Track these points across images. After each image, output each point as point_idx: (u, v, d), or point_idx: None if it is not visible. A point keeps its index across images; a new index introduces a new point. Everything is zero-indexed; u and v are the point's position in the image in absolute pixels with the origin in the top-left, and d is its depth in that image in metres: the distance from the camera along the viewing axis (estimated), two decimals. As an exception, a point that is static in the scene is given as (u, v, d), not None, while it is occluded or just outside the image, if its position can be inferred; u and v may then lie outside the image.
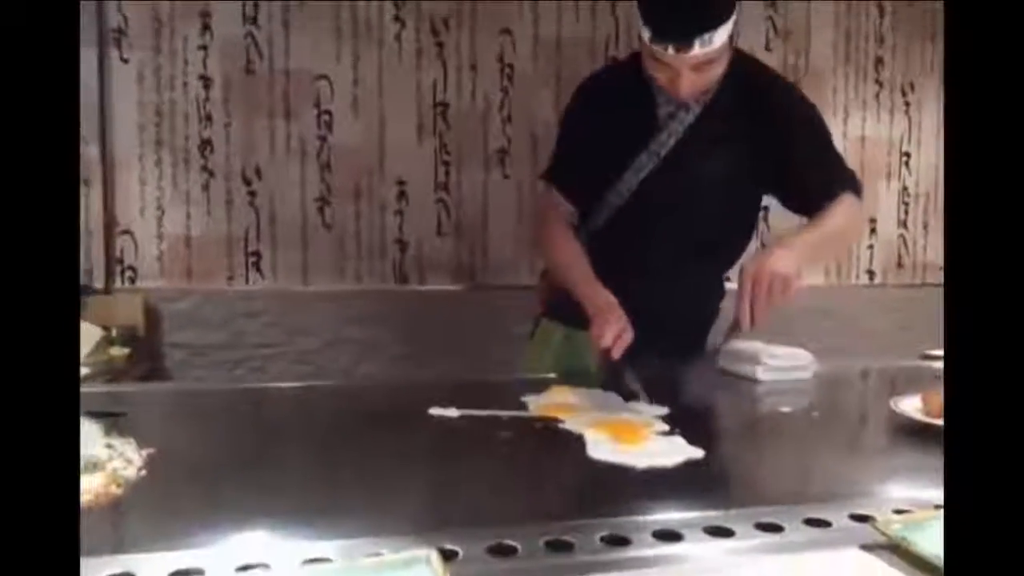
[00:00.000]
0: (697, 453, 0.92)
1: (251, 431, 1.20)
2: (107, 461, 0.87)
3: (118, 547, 0.68)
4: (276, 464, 0.99)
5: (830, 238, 1.48)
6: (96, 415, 1.01)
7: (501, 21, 2.51)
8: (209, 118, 2.31)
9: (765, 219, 2.31)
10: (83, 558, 0.64)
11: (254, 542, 0.70)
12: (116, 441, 0.93)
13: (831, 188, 1.49)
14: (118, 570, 0.63)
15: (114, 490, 0.82)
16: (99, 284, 2.26)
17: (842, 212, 1.47)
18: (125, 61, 2.28)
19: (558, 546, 0.66)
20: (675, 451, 0.92)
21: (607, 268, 1.50)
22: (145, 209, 2.30)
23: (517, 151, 2.56)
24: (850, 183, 1.53)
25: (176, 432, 1.12)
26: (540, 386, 1.28)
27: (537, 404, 1.19)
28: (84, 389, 1.41)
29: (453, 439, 1.06)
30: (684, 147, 1.52)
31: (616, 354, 1.30)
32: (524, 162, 2.57)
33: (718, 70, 1.42)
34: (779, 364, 1.41)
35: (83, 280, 2.24)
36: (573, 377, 1.40)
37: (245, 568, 0.63)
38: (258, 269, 2.37)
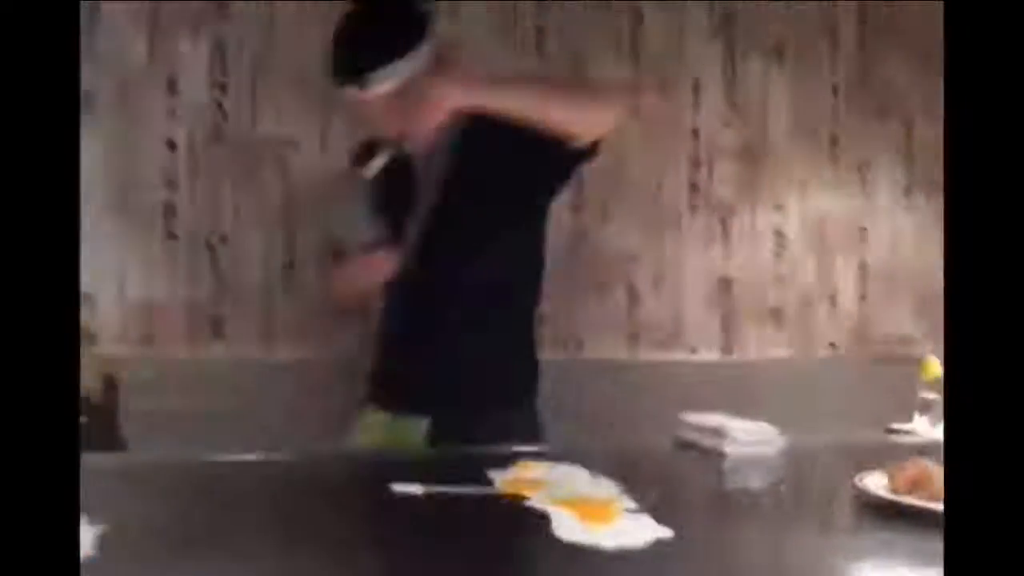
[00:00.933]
0: (666, 532, 0.90)
1: (209, 507, 1.16)
2: (54, 541, 0.83)
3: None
4: (234, 543, 0.95)
5: None
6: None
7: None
8: (171, 184, 2.30)
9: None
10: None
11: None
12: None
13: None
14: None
15: None
16: (55, 350, 2.21)
17: None
18: (89, 123, 2.27)
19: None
20: (643, 530, 0.91)
21: (412, 334, 1.53)
22: (105, 273, 2.27)
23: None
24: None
25: (131, 507, 1.08)
26: (506, 461, 1.26)
27: (503, 480, 1.17)
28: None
29: (416, 519, 1.04)
30: (447, 195, 1.53)
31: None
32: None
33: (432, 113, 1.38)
34: (745, 439, 1.41)
35: (38, 345, 2.19)
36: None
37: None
38: (221, 335, 2.33)
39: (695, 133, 2.74)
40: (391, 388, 1.54)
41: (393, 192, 1.56)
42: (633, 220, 2.62)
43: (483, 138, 1.47)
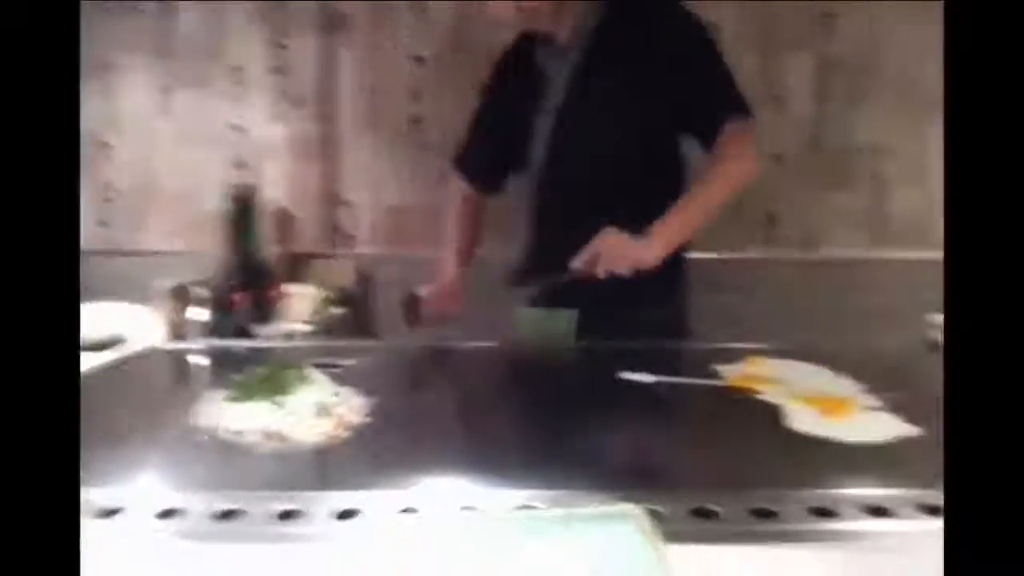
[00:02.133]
0: (913, 431, 0.87)
1: (458, 386, 1.27)
2: (335, 407, 0.96)
3: (347, 484, 0.75)
4: (482, 418, 1.05)
5: (706, 205, 1.42)
6: (322, 367, 1.12)
7: None
8: (417, 96, 2.43)
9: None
10: (317, 492, 0.72)
11: (468, 487, 0.75)
12: (343, 390, 1.02)
13: (715, 118, 1.42)
14: (347, 505, 0.69)
15: (342, 433, 0.91)
16: (320, 250, 2.47)
17: (721, 168, 1.41)
18: (345, 44, 2.44)
19: (762, 513, 0.66)
20: (887, 427, 0.88)
21: (553, 237, 1.50)
22: (362, 182, 2.48)
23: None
24: (735, 108, 1.42)
25: (392, 384, 1.21)
26: (733, 356, 1.26)
27: (732, 374, 1.17)
28: (309, 343, 1.57)
29: (649, 404, 1.07)
30: (575, 96, 1.44)
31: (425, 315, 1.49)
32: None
33: None
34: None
35: (306, 246, 2.45)
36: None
37: (463, 509, 0.68)
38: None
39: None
40: (538, 284, 1.56)
41: (520, 97, 1.54)
42: (885, 108, 2.39)
43: (614, 35, 1.44)
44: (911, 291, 2.28)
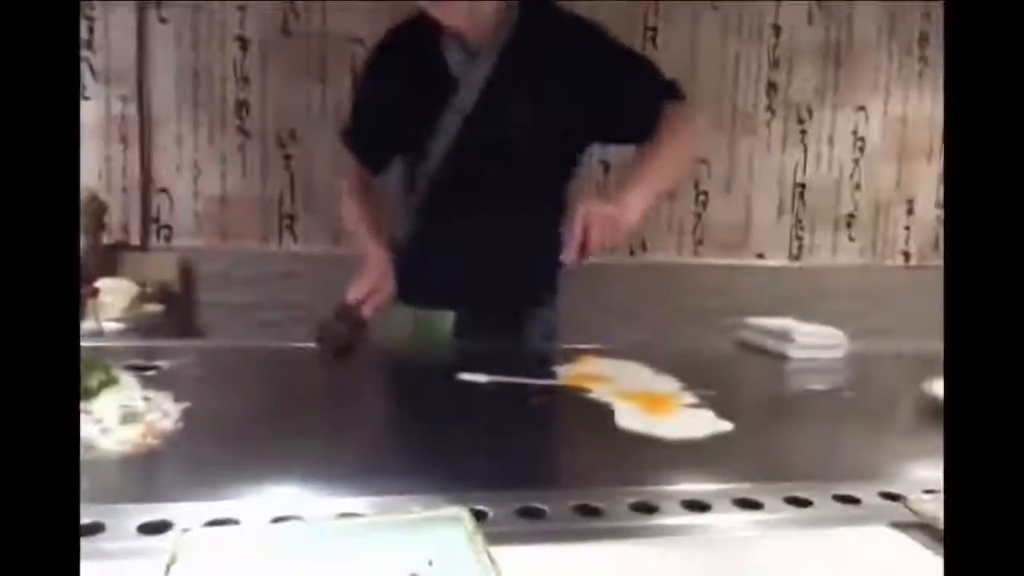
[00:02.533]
0: (726, 426, 0.92)
1: (281, 389, 1.22)
2: (145, 413, 0.89)
3: (156, 496, 0.70)
4: (306, 422, 1.00)
5: (664, 169, 1.45)
6: (133, 368, 1.03)
7: None
8: (245, 79, 2.32)
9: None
10: (122, 505, 0.66)
11: (287, 495, 0.71)
12: (153, 394, 0.95)
13: (651, 105, 1.48)
14: (157, 517, 0.64)
15: (151, 441, 0.84)
16: (135, 241, 2.30)
17: (669, 137, 1.46)
18: (163, 21, 2.29)
19: (587, 511, 0.67)
20: (704, 424, 0.92)
21: (438, 233, 1.52)
22: (181, 168, 2.33)
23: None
24: (667, 90, 1.50)
25: (209, 388, 1.14)
26: (570, 356, 1.29)
27: (567, 374, 1.19)
28: (120, 343, 1.45)
29: (481, 404, 1.07)
30: (487, 99, 1.47)
31: (367, 311, 1.35)
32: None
33: None
34: (811, 342, 1.40)
35: (119, 237, 2.27)
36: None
37: (279, 519, 0.64)
38: (291, 232, 2.39)
39: (776, 29, 2.61)
40: (416, 284, 1.54)
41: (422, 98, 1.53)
42: (705, 121, 2.55)
43: (527, 42, 1.46)
44: (726, 295, 2.46)
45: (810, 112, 2.68)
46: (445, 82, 1.49)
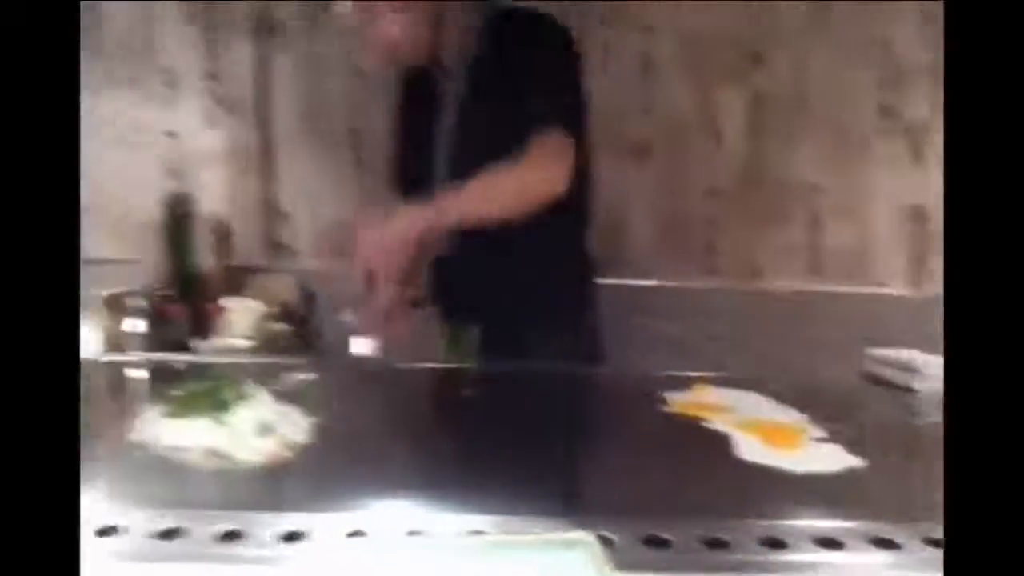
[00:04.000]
0: (857, 462, 0.88)
1: (402, 405, 1.25)
2: (279, 426, 0.93)
3: (291, 506, 0.73)
4: (429, 439, 1.03)
5: (472, 200, 1.37)
6: (263, 383, 1.08)
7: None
8: (360, 107, 2.41)
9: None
10: (259, 513, 0.70)
11: (414, 510, 0.73)
12: (285, 408, 0.99)
13: (525, 126, 1.38)
14: (292, 527, 0.67)
15: (284, 453, 0.88)
16: (259, 263, 2.41)
17: (516, 170, 1.36)
18: (283, 52, 2.41)
19: (714, 543, 0.66)
20: (834, 459, 0.89)
21: (460, 250, 1.49)
22: (301, 193, 2.44)
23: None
24: (545, 119, 1.39)
25: (334, 403, 1.18)
26: (681, 384, 1.27)
27: (679, 402, 1.18)
28: (249, 359, 1.52)
29: (596, 430, 1.07)
30: (463, 119, 1.48)
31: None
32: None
33: (390, 23, 1.41)
34: (937, 374, 1.33)
35: (244, 259, 2.40)
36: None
37: (410, 534, 0.66)
38: (403, 254, 2.45)
39: (888, 49, 2.53)
40: (444, 299, 1.58)
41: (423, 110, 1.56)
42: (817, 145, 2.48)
43: (501, 42, 1.47)
44: (846, 324, 2.37)
45: (927, 132, 2.57)
46: (438, 107, 1.53)
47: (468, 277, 1.56)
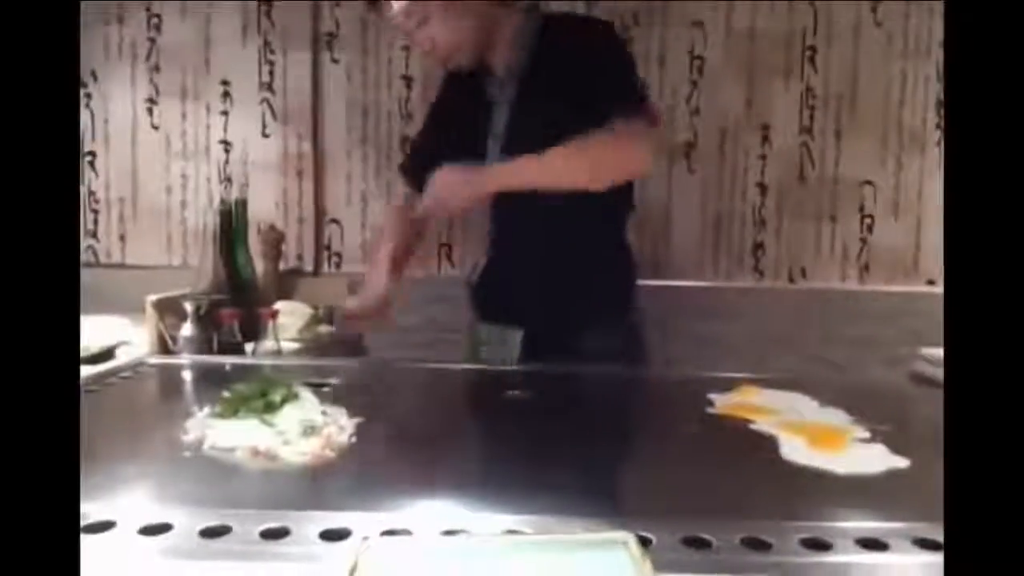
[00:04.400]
0: (902, 462, 0.87)
1: (445, 406, 1.27)
2: (323, 427, 0.95)
3: (335, 504, 0.74)
4: (469, 439, 1.04)
5: (557, 165, 1.39)
6: (310, 385, 1.11)
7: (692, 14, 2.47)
8: (410, 116, 2.44)
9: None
10: (305, 511, 0.71)
11: (455, 509, 0.74)
12: (330, 409, 1.01)
13: (605, 114, 1.41)
14: (337, 524, 0.68)
15: (329, 453, 0.90)
16: (309, 268, 2.46)
17: (591, 144, 1.39)
18: (335, 62, 2.45)
19: (755, 544, 0.65)
20: (878, 459, 0.88)
21: (505, 252, 1.57)
22: (351, 200, 2.48)
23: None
24: (623, 107, 1.43)
25: (379, 403, 1.20)
26: (725, 385, 1.26)
27: (723, 403, 1.17)
28: (297, 362, 1.55)
29: (639, 431, 1.07)
30: (516, 122, 1.50)
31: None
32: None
33: (438, 27, 1.45)
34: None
35: (295, 264, 2.44)
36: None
37: (449, 532, 0.67)
38: (448, 258, 2.48)
39: (942, 44, 2.46)
40: (488, 302, 1.61)
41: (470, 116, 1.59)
42: (867, 142, 2.43)
43: (555, 43, 1.49)
44: (895, 323, 2.32)
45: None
46: (487, 110, 1.55)
47: (513, 279, 1.58)
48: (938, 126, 2.47)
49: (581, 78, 1.44)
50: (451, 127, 1.63)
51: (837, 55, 2.40)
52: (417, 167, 1.66)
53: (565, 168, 1.40)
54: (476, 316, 1.70)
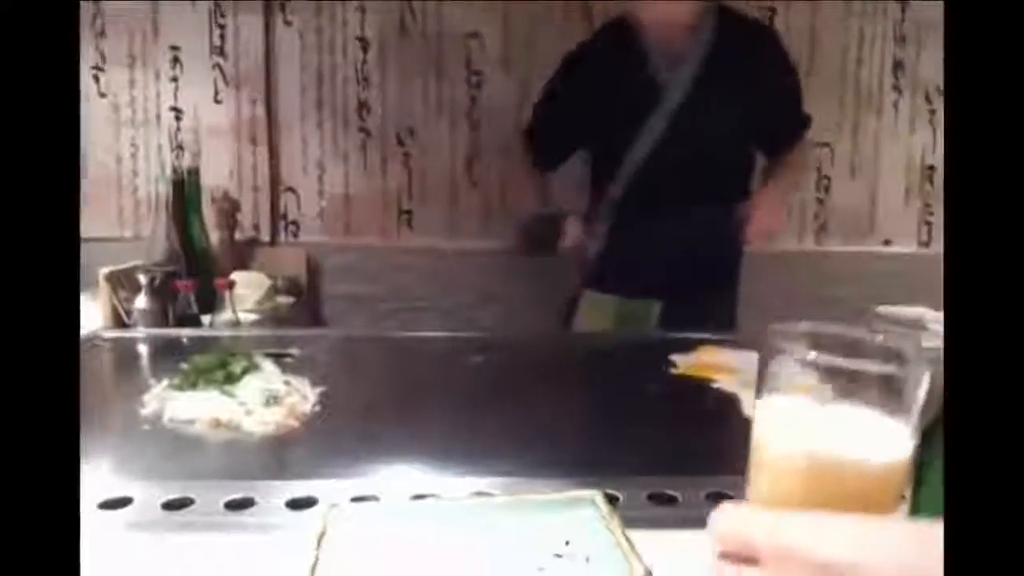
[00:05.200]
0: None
1: (408, 376, 1.26)
2: (285, 396, 0.94)
3: (301, 473, 0.74)
4: (434, 406, 1.03)
5: (794, 183, 1.81)
6: (271, 356, 1.09)
7: None
8: (367, 80, 2.39)
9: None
10: (269, 481, 0.70)
11: (422, 474, 0.74)
12: (292, 379, 1.00)
13: (796, 131, 1.70)
14: (303, 493, 0.68)
15: (292, 423, 0.89)
16: (265, 237, 2.42)
17: (799, 160, 1.76)
18: (288, 24, 2.39)
19: (719, 498, 0.66)
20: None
21: (641, 226, 1.61)
22: (307, 167, 2.43)
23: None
24: (807, 123, 1.72)
25: (341, 373, 1.19)
26: (687, 345, 1.27)
27: (686, 363, 1.18)
28: (256, 332, 1.53)
29: (603, 392, 1.07)
30: (692, 100, 1.56)
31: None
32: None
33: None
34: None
35: (250, 233, 2.40)
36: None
37: (418, 497, 0.67)
38: (409, 226, 2.45)
39: (902, 5, 2.48)
40: (621, 274, 1.63)
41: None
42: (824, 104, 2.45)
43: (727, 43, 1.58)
44: (851, 283, 2.36)
45: (939, 91, 2.53)
46: (646, 83, 1.58)
47: (648, 254, 1.62)
48: (894, 87, 2.50)
49: (767, 83, 1.60)
50: (600, 100, 1.63)
51: (796, 16, 2.41)
52: (551, 137, 1.74)
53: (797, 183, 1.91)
54: (595, 286, 1.71)
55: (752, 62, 1.58)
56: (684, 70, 1.56)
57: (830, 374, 0.43)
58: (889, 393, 0.43)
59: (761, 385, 0.47)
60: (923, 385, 0.43)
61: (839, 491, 0.43)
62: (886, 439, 0.43)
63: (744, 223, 1.54)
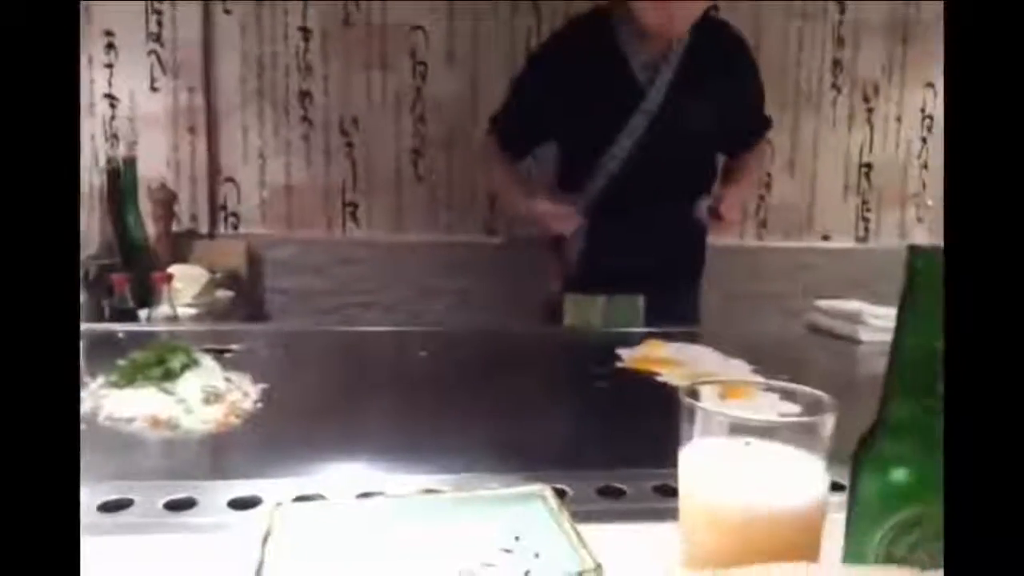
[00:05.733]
0: (796, 409, 0.90)
1: (352, 371, 1.25)
2: (226, 393, 0.92)
3: (243, 472, 0.72)
4: (379, 402, 1.02)
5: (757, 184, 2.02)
6: (210, 351, 1.06)
7: None
8: (308, 69, 2.35)
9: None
10: (211, 481, 0.69)
11: (368, 472, 0.73)
12: (233, 375, 0.98)
13: (759, 132, 1.80)
14: (245, 493, 0.66)
15: (233, 420, 0.87)
16: (204, 229, 2.36)
17: (757, 159, 1.87)
18: (228, 13, 2.34)
19: (667, 491, 0.67)
20: (782, 409, 0.91)
21: (622, 223, 1.62)
22: (247, 158, 2.38)
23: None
24: (769, 124, 1.82)
25: (283, 369, 1.17)
26: (632, 339, 1.28)
27: (632, 357, 1.19)
28: (195, 327, 1.50)
29: (550, 387, 1.08)
30: (671, 102, 1.59)
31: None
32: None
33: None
34: (882, 324, 1.37)
35: (188, 225, 2.34)
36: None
37: (365, 495, 0.66)
38: (354, 219, 2.42)
39: (840, 6, 2.55)
40: (603, 272, 1.65)
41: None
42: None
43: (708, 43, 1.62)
44: (791, 277, 2.42)
45: (876, 90, 2.61)
46: (627, 83, 1.60)
47: (629, 250, 1.63)
48: (833, 85, 2.56)
49: (739, 88, 1.68)
50: (576, 96, 1.62)
51: (738, 17, 2.45)
52: (521, 128, 1.72)
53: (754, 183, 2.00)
54: (578, 284, 1.71)
55: (724, 65, 1.64)
56: (664, 71, 1.59)
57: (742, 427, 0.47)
58: (803, 434, 0.45)
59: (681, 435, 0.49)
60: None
61: (767, 537, 0.45)
62: (802, 480, 0.46)
63: (710, 219, 1.61)
